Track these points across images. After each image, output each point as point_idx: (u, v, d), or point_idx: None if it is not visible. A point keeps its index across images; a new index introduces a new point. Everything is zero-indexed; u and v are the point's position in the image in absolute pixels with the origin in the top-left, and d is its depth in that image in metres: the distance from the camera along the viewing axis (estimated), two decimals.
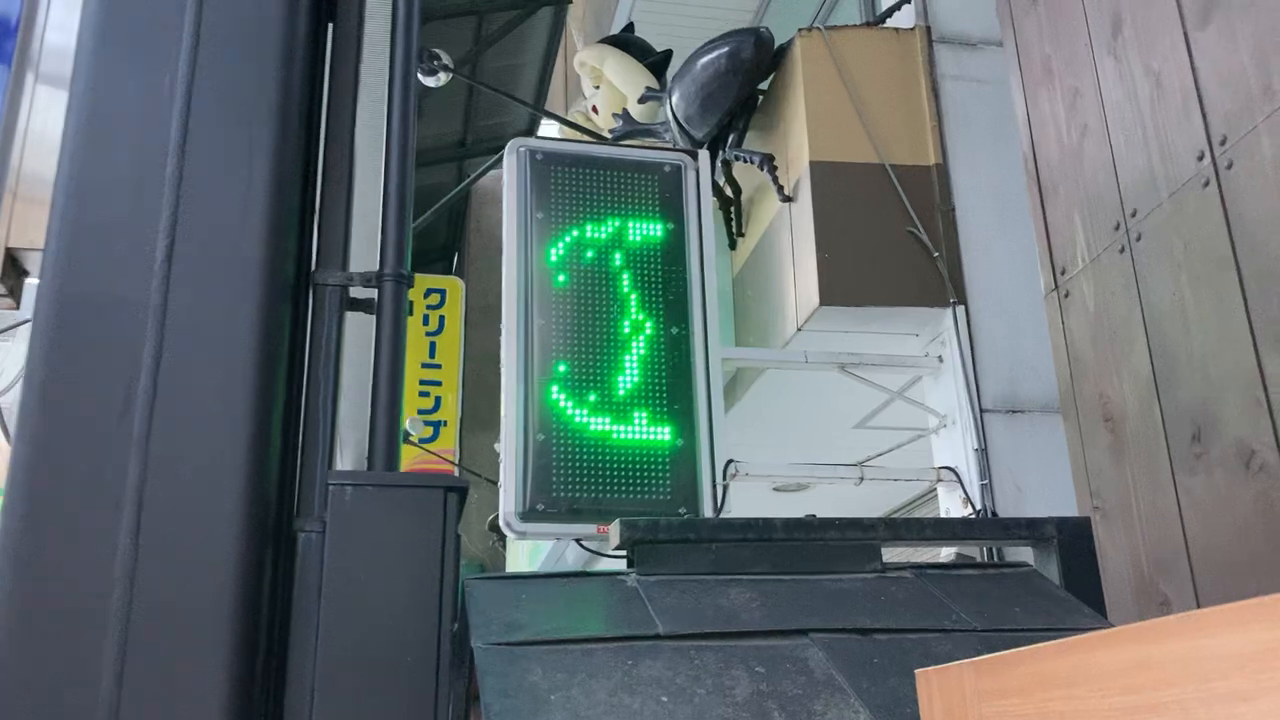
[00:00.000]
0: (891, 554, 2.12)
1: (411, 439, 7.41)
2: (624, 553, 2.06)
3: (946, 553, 2.68)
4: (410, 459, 8.48)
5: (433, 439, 8.16)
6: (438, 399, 8.46)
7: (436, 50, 4.29)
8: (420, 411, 8.45)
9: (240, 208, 2.44)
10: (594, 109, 5.17)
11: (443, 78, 4.46)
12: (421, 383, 8.62)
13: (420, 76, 4.44)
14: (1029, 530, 2.11)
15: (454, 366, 8.63)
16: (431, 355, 8.67)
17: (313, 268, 2.65)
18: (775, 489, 4.85)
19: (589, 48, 5.23)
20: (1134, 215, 2.34)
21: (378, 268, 2.65)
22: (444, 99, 8.15)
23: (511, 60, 8.32)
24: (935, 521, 2.10)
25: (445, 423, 8.39)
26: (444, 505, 2.27)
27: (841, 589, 1.98)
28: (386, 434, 2.54)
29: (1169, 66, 2.22)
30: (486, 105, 8.62)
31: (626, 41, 5.11)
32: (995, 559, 2.49)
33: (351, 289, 2.70)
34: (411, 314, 2.77)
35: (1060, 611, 2.00)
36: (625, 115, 4.26)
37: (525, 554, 6.76)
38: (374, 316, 2.67)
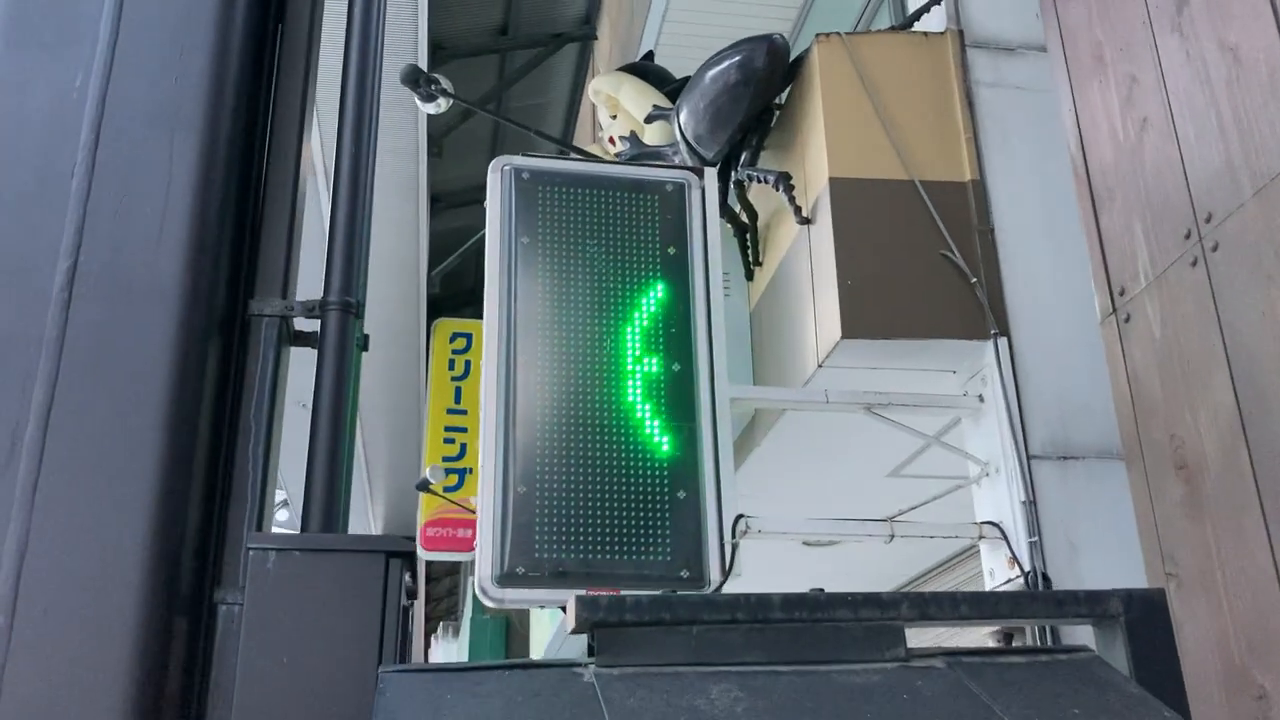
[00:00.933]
0: (920, 636, 1.70)
1: (432, 488, 7.02)
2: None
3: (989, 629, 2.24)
4: (434, 508, 8.12)
5: (457, 487, 7.78)
6: (463, 445, 8.09)
7: (435, 75, 3.96)
8: (445, 459, 8.10)
9: (157, 226, 2.09)
10: (611, 140, 4.84)
11: (443, 104, 4.13)
12: (447, 429, 8.28)
13: (418, 102, 4.11)
14: (1089, 606, 1.69)
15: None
16: (457, 400, 8.32)
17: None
18: (806, 543, 4.41)
19: (604, 76, 4.91)
20: (1209, 220, 1.91)
21: (321, 295, 2.29)
22: (468, 141, 7.89)
23: (536, 99, 8.04)
24: (972, 597, 1.67)
25: (470, 470, 8.01)
26: (385, 573, 1.88)
27: (854, 684, 1.55)
28: (325, 488, 2.16)
29: (1250, 37, 1.80)
30: (513, 147, 8.34)
31: (644, 69, 4.78)
32: (1049, 641, 2.05)
33: (295, 320, 2.34)
34: (366, 349, 2.39)
35: (1131, 711, 1.56)
36: (633, 138, 3.90)
37: (547, 611, 6.34)
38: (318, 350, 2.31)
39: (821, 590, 1.68)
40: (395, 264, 7.05)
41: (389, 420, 8.93)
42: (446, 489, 7.65)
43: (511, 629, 10.20)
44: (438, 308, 8.40)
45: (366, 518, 10.41)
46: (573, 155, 5.31)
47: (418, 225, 6.85)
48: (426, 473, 7.00)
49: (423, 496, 8.07)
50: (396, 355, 8.25)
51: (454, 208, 8.31)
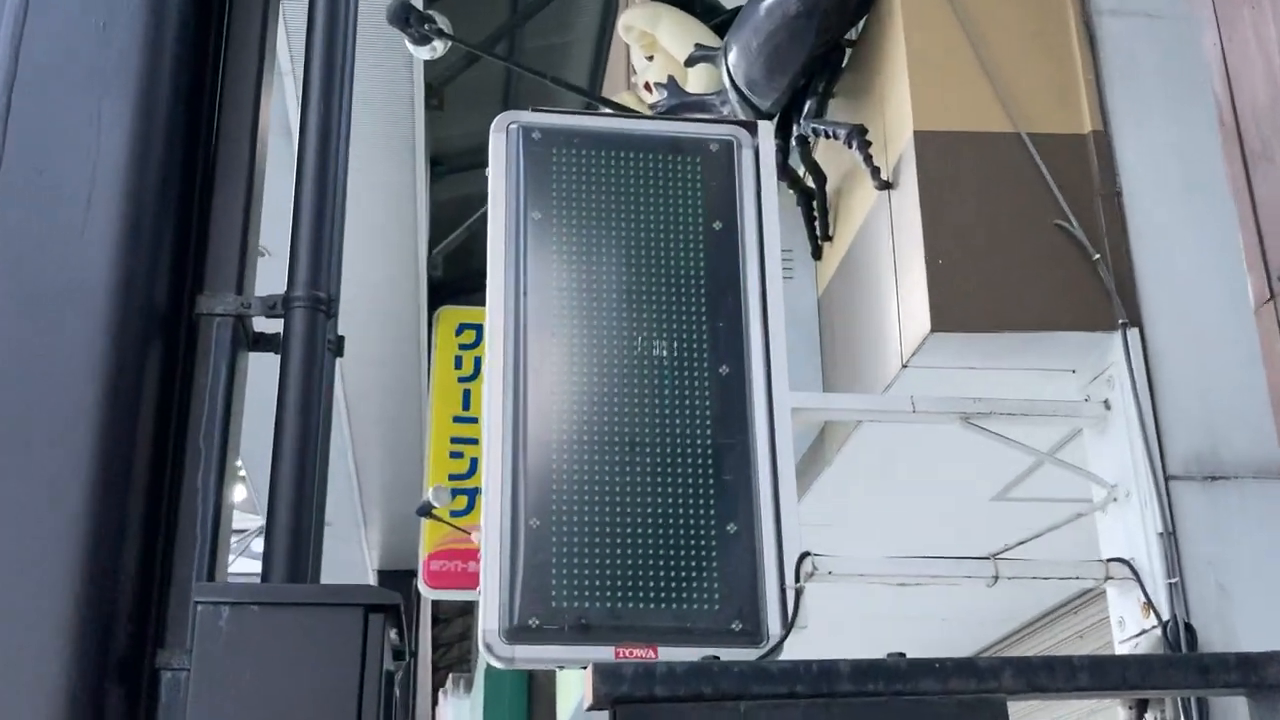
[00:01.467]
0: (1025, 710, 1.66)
1: (436, 513, 7.03)
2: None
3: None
4: (440, 537, 8.14)
5: (466, 511, 7.78)
6: (473, 461, 8.10)
7: (429, 12, 3.97)
8: (452, 477, 8.09)
9: (82, 209, 2.10)
10: (647, 85, 4.85)
11: (439, 47, 4.14)
12: (453, 440, 8.28)
13: (409, 45, 4.12)
14: (1242, 673, 1.69)
15: None
16: (466, 406, 8.33)
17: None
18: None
19: (638, 7, 4.91)
20: None
21: (285, 289, 2.29)
22: (475, 91, 7.89)
23: (557, 38, 8.04)
24: (1093, 663, 1.64)
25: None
26: (364, 632, 1.88)
27: None
28: (290, 530, 2.15)
29: None
30: (529, 97, 8.34)
31: None
32: (1193, 713, 2.02)
33: (253, 320, 2.35)
34: (340, 353, 2.38)
35: None
36: (671, 84, 3.89)
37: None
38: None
39: (902, 655, 1.65)
40: (387, 241, 7.07)
41: (384, 431, 8.96)
42: (454, 514, 7.65)
43: (535, 682, 10.25)
44: (441, 293, 8.41)
45: (360, 549, 10.49)
46: (602, 109, 5.29)
47: (415, 194, 6.87)
48: (429, 495, 7.02)
49: (426, 523, 8.12)
50: (392, 351, 8.26)
51: (459, 171, 8.32)
